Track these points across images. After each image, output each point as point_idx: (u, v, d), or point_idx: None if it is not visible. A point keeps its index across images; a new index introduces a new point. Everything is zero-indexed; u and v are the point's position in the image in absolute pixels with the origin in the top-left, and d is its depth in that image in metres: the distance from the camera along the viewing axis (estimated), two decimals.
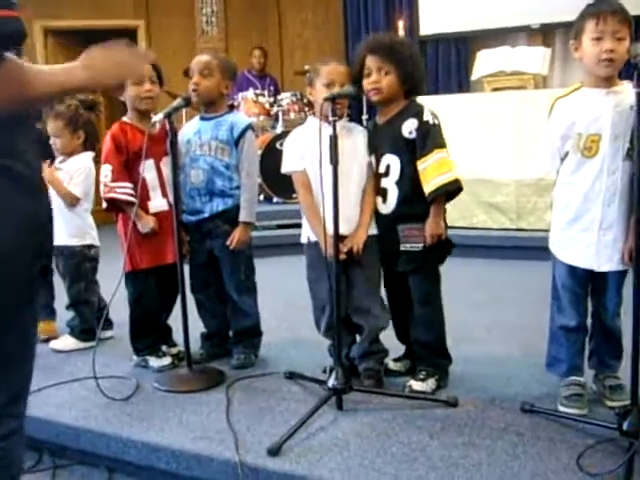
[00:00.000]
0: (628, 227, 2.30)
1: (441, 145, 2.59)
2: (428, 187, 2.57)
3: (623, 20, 2.26)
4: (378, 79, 2.63)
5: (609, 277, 2.41)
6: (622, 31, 2.26)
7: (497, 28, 7.38)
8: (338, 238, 2.50)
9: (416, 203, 2.62)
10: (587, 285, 2.46)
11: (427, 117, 2.61)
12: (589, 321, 2.52)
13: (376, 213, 2.71)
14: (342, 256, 2.56)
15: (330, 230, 2.50)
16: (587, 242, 2.38)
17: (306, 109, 6.75)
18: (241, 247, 2.99)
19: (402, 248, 2.65)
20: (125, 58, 1.60)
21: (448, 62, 7.86)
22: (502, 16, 7.26)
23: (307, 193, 2.73)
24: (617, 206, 2.33)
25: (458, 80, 7.78)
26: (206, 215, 3.01)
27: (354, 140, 2.70)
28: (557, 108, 2.45)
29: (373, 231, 2.72)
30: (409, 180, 2.62)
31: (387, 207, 2.67)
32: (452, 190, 2.60)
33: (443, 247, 2.68)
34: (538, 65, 5.92)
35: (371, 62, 2.64)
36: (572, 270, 2.43)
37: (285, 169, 2.79)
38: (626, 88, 2.29)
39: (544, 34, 7.38)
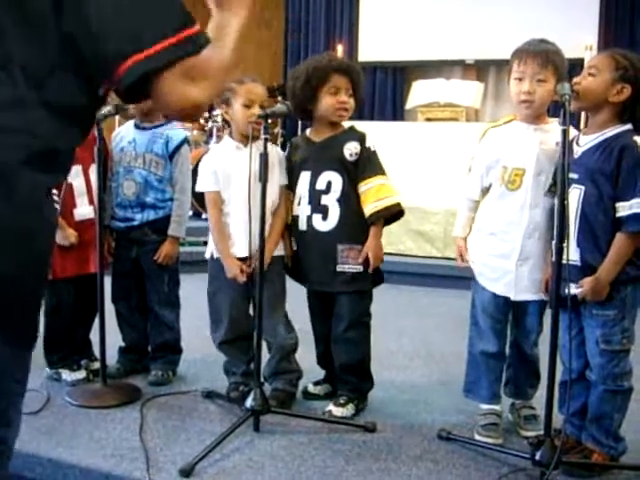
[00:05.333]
0: (546, 260, 2.36)
1: (383, 172, 2.63)
2: (368, 209, 2.59)
3: (544, 63, 2.30)
4: (347, 100, 2.63)
5: (530, 306, 2.45)
6: (542, 74, 2.31)
7: (434, 60, 7.57)
8: (263, 255, 2.48)
9: (357, 223, 2.62)
10: (507, 312, 2.50)
11: (369, 144, 2.63)
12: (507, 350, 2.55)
13: (313, 231, 2.66)
14: (242, 278, 2.60)
15: (249, 249, 2.60)
16: (505, 271, 2.42)
17: None
18: (168, 261, 2.96)
19: (339, 269, 2.63)
20: None
21: (384, 90, 7.97)
22: (439, 49, 7.43)
23: (218, 213, 2.71)
24: (536, 239, 2.38)
25: (393, 108, 7.89)
26: (136, 223, 2.96)
27: (270, 161, 2.67)
28: (488, 136, 2.51)
29: (280, 252, 2.73)
30: (351, 198, 2.62)
31: (327, 224, 2.64)
32: (393, 212, 2.63)
33: (378, 271, 2.69)
34: (471, 98, 6.07)
35: (341, 82, 2.61)
36: (492, 296, 2.47)
37: (199, 188, 2.77)
38: (554, 127, 2.35)
39: (478, 69, 7.59)
